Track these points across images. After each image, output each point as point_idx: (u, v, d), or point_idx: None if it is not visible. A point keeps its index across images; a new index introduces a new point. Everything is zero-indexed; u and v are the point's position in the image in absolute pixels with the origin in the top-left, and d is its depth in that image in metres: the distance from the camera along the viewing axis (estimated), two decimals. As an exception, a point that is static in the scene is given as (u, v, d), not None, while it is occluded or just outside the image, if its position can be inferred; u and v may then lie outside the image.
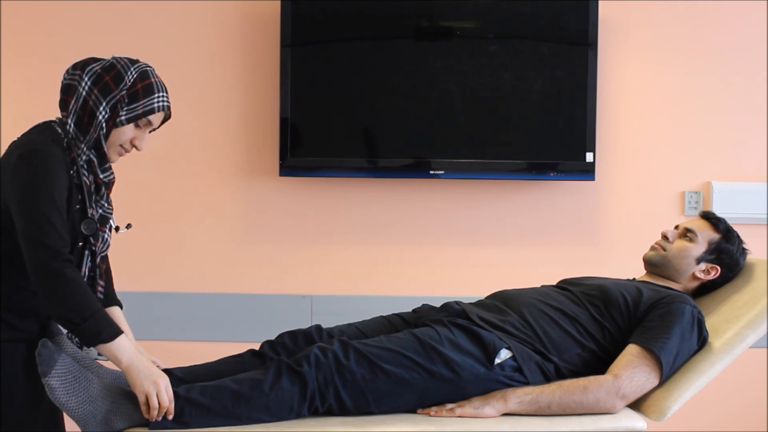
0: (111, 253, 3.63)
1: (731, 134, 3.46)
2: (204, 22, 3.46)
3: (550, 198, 3.47)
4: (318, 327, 2.19)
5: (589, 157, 3.32)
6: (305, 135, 3.34)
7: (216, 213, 3.47)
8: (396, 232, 3.47)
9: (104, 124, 1.93)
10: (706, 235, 2.37)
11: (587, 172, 3.32)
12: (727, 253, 2.36)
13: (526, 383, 2.04)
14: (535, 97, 3.35)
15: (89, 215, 1.96)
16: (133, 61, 2.00)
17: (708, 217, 2.43)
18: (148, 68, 2.00)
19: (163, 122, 2.05)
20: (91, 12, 3.46)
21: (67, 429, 2.20)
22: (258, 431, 1.88)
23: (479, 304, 2.25)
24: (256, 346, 2.18)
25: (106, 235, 2.04)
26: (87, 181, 1.96)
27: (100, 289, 2.06)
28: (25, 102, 3.51)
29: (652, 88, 3.47)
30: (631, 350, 2.07)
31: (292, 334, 2.17)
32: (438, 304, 2.27)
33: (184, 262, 3.48)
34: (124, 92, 1.94)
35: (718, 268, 2.35)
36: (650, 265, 2.41)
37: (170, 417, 1.87)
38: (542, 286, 2.34)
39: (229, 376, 1.98)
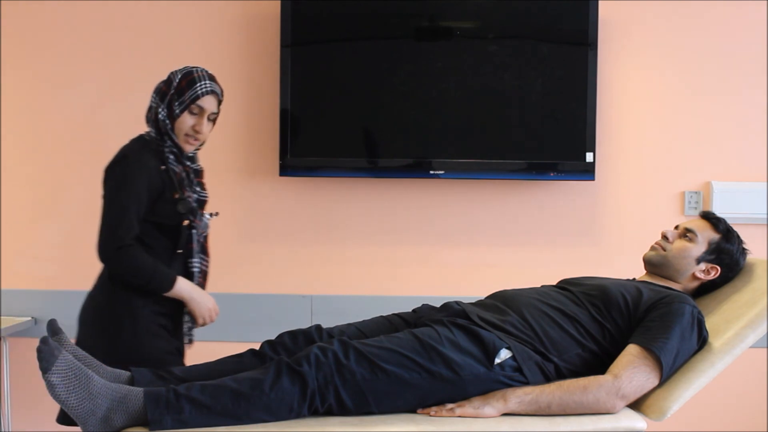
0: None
1: (731, 134, 3.46)
2: (204, 22, 3.46)
3: (550, 198, 3.47)
4: (318, 327, 2.19)
5: (589, 157, 3.32)
6: (305, 135, 3.34)
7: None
8: (396, 232, 3.47)
9: (167, 121, 2.38)
10: (706, 235, 2.37)
11: (587, 172, 3.33)
12: (727, 253, 2.36)
13: (526, 383, 2.04)
14: (535, 97, 3.35)
15: (184, 197, 2.38)
16: (183, 68, 2.42)
17: (708, 217, 2.42)
18: (193, 68, 2.42)
19: (219, 106, 2.45)
20: (92, 12, 3.47)
21: (66, 429, 2.21)
22: (258, 431, 1.88)
23: (479, 304, 2.25)
24: (256, 346, 2.18)
25: (205, 218, 2.47)
26: (177, 170, 2.40)
27: (204, 263, 2.49)
28: (25, 102, 3.52)
29: (652, 88, 3.47)
30: (631, 350, 2.07)
31: (292, 334, 2.17)
32: (438, 304, 2.27)
33: (184, 262, 3.47)
34: (173, 91, 2.38)
35: (718, 268, 2.35)
36: (650, 265, 2.41)
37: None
38: (542, 286, 2.34)
39: (229, 376, 1.98)
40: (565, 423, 1.97)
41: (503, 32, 3.36)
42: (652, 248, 2.42)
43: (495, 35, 3.35)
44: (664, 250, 2.38)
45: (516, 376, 2.04)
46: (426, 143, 3.38)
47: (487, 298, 2.31)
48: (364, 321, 2.27)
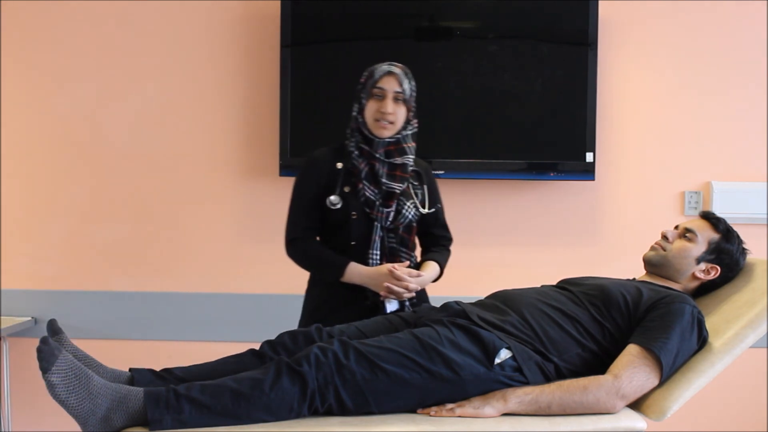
0: (113, 252, 3.63)
1: (731, 134, 3.46)
2: (204, 22, 3.46)
3: (550, 198, 3.47)
4: (318, 327, 2.19)
5: (589, 157, 3.32)
6: (305, 135, 3.34)
7: (216, 213, 3.47)
8: (396, 232, 3.46)
9: (359, 116, 2.54)
10: (706, 235, 2.37)
11: (587, 172, 3.33)
12: (727, 253, 2.36)
13: (526, 383, 2.03)
14: (535, 97, 3.35)
15: (357, 190, 2.50)
16: None
17: (708, 217, 2.42)
18: (376, 65, 2.58)
19: (401, 85, 2.53)
20: (92, 12, 3.47)
21: (66, 429, 2.20)
22: (258, 431, 1.88)
23: (479, 304, 2.25)
24: (256, 346, 2.18)
25: (402, 209, 2.53)
26: (358, 165, 2.52)
27: (405, 256, 2.55)
28: (25, 101, 3.51)
29: (652, 88, 3.47)
30: (631, 350, 2.07)
31: (292, 334, 2.17)
32: (438, 304, 2.27)
33: (184, 262, 3.48)
34: (360, 88, 2.55)
35: (718, 268, 2.35)
36: (650, 265, 2.41)
37: (412, 287, 2.46)
38: (542, 286, 2.34)
39: (229, 376, 1.97)
40: (565, 423, 1.97)
41: (503, 32, 3.36)
42: (652, 248, 2.42)
43: (495, 35, 3.35)
44: (664, 250, 2.38)
45: (516, 376, 2.04)
46: (426, 143, 3.37)
47: (487, 298, 2.31)
48: (364, 321, 2.27)
